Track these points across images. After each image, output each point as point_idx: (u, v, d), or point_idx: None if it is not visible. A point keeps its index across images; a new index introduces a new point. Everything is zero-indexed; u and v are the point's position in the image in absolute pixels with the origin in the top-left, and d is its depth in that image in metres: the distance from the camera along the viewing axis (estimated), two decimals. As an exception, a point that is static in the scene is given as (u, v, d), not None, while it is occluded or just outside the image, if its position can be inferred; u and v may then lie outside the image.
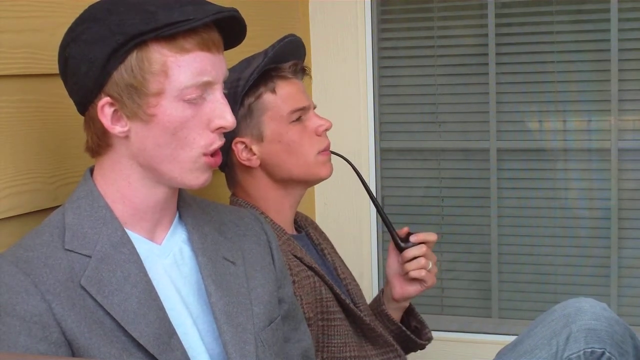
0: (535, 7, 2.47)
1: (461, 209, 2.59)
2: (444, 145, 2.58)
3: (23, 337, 1.19)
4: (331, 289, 1.78)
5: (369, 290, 2.58)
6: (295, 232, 1.89)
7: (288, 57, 1.81)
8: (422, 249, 1.89)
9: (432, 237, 1.91)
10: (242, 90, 1.76)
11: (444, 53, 2.56)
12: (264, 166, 1.81)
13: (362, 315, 1.83)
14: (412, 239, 1.90)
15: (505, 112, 2.51)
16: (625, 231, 2.45)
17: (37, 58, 1.47)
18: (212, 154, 1.32)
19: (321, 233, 1.98)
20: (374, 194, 1.92)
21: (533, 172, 2.52)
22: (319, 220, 2.56)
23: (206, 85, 1.29)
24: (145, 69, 1.25)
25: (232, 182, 1.86)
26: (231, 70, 1.56)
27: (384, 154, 2.61)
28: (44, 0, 1.49)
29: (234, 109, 1.75)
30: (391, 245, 1.94)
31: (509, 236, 2.55)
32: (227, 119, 1.31)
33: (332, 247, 1.97)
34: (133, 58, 1.25)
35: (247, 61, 1.80)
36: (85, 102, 1.30)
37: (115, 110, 1.28)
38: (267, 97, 1.78)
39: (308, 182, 1.85)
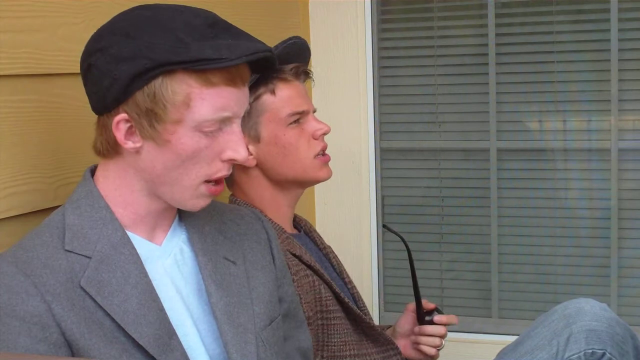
0: (535, 7, 2.47)
1: (461, 209, 2.59)
2: (444, 145, 2.57)
3: (23, 338, 1.19)
4: (330, 287, 1.78)
5: (369, 290, 2.58)
6: (294, 231, 1.89)
7: (291, 59, 1.81)
8: (441, 331, 1.93)
9: (454, 320, 1.95)
10: None
11: (444, 53, 2.55)
12: (260, 166, 1.81)
13: (361, 313, 1.83)
14: (436, 319, 1.92)
15: (505, 112, 2.51)
16: (625, 231, 2.45)
17: (37, 58, 1.47)
18: (216, 182, 1.32)
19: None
20: (414, 267, 1.95)
21: (533, 172, 2.52)
22: (319, 220, 2.56)
23: (225, 120, 1.29)
24: (168, 98, 1.24)
25: (230, 181, 1.86)
26: None
27: (384, 154, 2.61)
28: (44, 0, 1.49)
29: None
30: (411, 307, 1.96)
31: (509, 236, 2.54)
32: (241, 153, 1.30)
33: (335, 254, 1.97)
34: (158, 83, 1.24)
35: None
36: (101, 109, 1.30)
37: (130, 126, 1.27)
38: (266, 98, 1.78)
39: (304, 184, 1.85)
